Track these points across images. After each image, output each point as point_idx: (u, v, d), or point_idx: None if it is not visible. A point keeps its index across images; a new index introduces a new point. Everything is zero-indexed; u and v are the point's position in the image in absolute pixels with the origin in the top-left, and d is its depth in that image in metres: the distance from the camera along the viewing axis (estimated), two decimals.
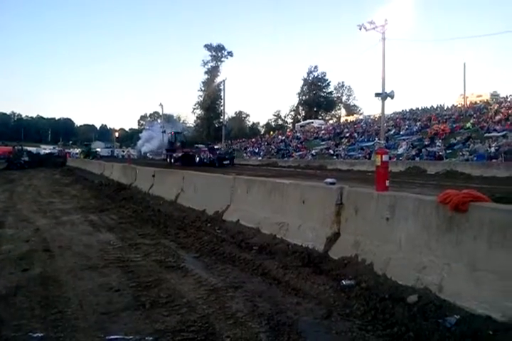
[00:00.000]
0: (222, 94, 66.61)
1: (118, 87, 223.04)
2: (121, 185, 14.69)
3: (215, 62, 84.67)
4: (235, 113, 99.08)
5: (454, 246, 3.70)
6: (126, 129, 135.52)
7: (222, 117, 67.18)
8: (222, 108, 69.56)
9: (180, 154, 38.23)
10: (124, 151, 63.60)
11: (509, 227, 3.29)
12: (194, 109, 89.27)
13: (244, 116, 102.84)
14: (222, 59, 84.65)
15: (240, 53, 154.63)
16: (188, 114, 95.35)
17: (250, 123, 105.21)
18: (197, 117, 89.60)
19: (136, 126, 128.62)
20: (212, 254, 5.44)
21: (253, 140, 67.39)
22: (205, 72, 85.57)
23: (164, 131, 68.61)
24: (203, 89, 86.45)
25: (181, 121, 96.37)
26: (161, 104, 77.49)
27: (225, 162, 34.12)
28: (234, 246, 5.86)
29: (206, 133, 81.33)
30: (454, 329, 3.05)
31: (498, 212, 3.49)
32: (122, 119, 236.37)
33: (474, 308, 3.23)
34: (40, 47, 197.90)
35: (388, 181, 5.10)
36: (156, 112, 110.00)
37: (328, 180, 5.95)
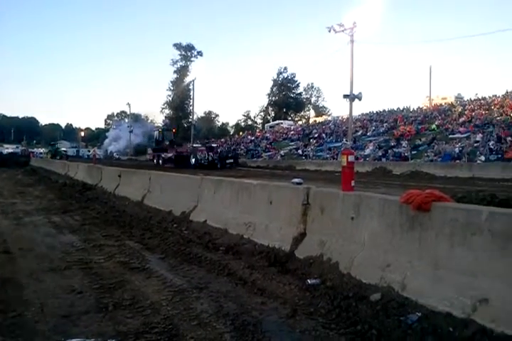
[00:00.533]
0: (191, 93, 66.24)
1: (84, 86, 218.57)
2: (86, 186, 14.39)
3: (184, 61, 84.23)
4: (205, 113, 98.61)
5: (416, 245, 3.76)
6: (93, 129, 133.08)
7: (191, 117, 66.91)
8: (191, 108, 69.36)
9: (171, 154, 33.72)
10: (89, 151, 62.52)
11: (469, 226, 3.37)
12: (163, 108, 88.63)
13: (213, 116, 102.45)
14: (192, 58, 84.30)
15: (209, 53, 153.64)
16: (157, 114, 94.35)
17: (220, 124, 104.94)
18: (165, 117, 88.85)
19: (102, 126, 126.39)
20: (178, 255, 5.38)
21: (222, 140, 67.24)
22: (174, 72, 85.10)
23: (132, 131, 67.53)
24: (171, 88, 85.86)
25: (149, 121, 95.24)
26: (128, 103, 76.48)
27: (229, 161, 30.76)
28: (200, 246, 5.81)
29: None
30: (416, 326, 3.10)
31: (459, 211, 3.57)
32: (89, 118, 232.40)
33: (435, 305, 3.30)
34: (1, 42, 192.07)
35: (354, 181, 5.15)
36: (123, 111, 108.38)
37: (295, 180, 5.98)
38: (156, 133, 41.45)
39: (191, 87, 63.00)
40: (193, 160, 30.70)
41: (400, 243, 3.90)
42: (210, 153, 30.81)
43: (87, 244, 6.07)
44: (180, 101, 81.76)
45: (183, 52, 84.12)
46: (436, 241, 3.60)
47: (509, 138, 25.44)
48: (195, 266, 4.95)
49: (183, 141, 55.92)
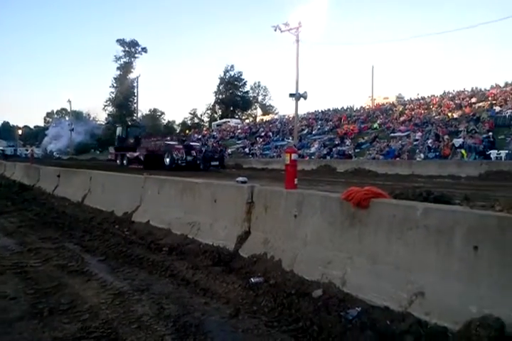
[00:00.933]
0: (135, 90, 64.97)
1: (22, 83, 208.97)
2: (23, 186, 13.74)
3: (128, 57, 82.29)
4: (150, 110, 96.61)
5: (356, 241, 3.84)
6: (31, 127, 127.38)
7: (135, 115, 65.51)
8: (135, 105, 67.87)
9: (137, 154, 28.69)
10: (27, 150, 59.80)
11: (406, 222, 3.48)
12: (105, 106, 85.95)
13: (159, 114, 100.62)
14: (136, 55, 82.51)
15: (154, 50, 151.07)
16: (99, 111, 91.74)
17: (165, 122, 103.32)
18: (108, 114, 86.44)
19: (42, 124, 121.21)
20: (119, 257, 5.23)
21: (168, 138, 66.23)
22: (118, 68, 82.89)
23: (73, 129, 65.07)
24: (115, 85, 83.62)
25: (91, 119, 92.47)
26: (69, 101, 73.52)
27: (214, 163, 26.57)
28: (143, 247, 5.68)
29: None
30: (355, 321, 3.17)
31: (396, 207, 3.68)
32: (27, 116, 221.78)
33: (374, 300, 3.38)
34: None
35: (297, 179, 5.20)
36: (63, 109, 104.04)
37: (240, 178, 5.98)
38: (119, 129, 36.09)
39: (135, 84, 61.89)
40: (168, 160, 25.87)
41: (341, 239, 3.97)
42: (193, 152, 26.29)
43: (23, 247, 5.78)
44: (123, 98, 79.70)
45: (127, 49, 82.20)
46: (374, 237, 3.69)
47: (446, 137, 26.56)
48: (137, 267, 4.83)
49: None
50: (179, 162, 25.22)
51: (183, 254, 5.25)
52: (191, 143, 29.40)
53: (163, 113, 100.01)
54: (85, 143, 66.70)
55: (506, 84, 37.45)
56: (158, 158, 26.45)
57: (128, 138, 33.49)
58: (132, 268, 4.77)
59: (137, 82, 58.87)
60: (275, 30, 31.78)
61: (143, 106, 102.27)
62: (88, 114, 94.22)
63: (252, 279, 4.16)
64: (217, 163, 27.18)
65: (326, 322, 3.20)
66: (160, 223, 6.54)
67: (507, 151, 22.01)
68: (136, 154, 29.12)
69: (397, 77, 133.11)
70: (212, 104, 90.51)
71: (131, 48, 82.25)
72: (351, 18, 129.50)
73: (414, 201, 4.16)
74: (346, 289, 3.63)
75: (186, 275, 4.46)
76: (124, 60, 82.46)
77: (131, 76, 64.90)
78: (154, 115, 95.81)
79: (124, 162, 30.60)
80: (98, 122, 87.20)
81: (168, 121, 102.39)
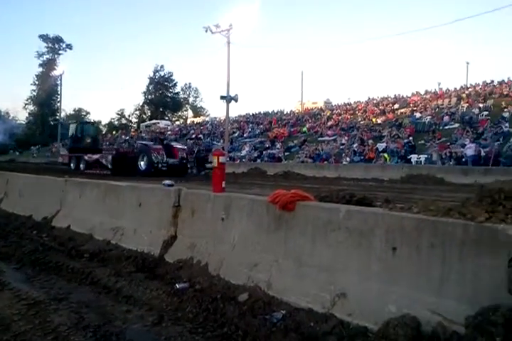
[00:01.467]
0: (59, 89, 62.19)
1: None
2: None
3: (51, 54, 78.63)
4: (74, 110, 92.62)
5: (282, 244, 3.87)
6: None
7: (58, 114, 62.67)
8: (58, 104, 64.94)
9: (99, 156, 23.88)
10: None
11: (329, 224, 3.54)
12: (26, 104, 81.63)
13: (84, 113, 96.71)
14: (60, 51, 79.07)
15: (80, 47, 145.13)
16: (19, 110, 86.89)
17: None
18: (29, 113, 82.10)
19: None
20: (36, 264, 4.93)
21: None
22: (40, 65, 78.97)
23: None
24: (36, 83, 79.59)
25: (11, 118, 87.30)
26: None
27: (209, 165, 21.14)
28: (62, 254, 5.40)
29: (40, 131, 75.05)
30: (280, 324, 3.18)
31: (321, 210, 3.74)
32: None
33: (299, 302, 3.41)
34: None
35: (224, 182, 5.16)
36: None
37: (166, 181, 5.82)
38: (72, 127, 30.10)
39: (59, 81, 59.29)
40: (143, 163, 21.53)
41: (267, 242, 3.98)
42: (179, 153, 22.12)
43: None
44: (46, 96, 75.92)
45: (51, 45, 78.53)
46: (300, 240, 3.73)
47: (370, 141, 27.66)
48: (55, 275, 4.59)
49: (51, 139, 51.42)
50: (159, 166, 20.85)
51: (105, 261, 5.04)
52: (172, 143, 24.67)
53: (88, 113, 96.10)
54: (3, 143, 62.77)
55: (426, 92, 39.59)
56: (130, 161, 22.09)
57: (84, 138, 28.37)
58: (50, 276, 4.52)
59: (61, 79, 56.45)
60: (206, 31, 31.59)
61: (67, 106, 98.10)
62: (7, 113, 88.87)
63: (177, 285, 4.06)
64: (211, 164, 22.53)
65: (251, 327, 3.18)
66: (81, 228, 6.26)
67: (426, 156, 23.22)
68: (95, 156, 24.22)
69: (325, 82, 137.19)
70: (141, 104, 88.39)
71: (54, 44, 78.65)
72: (284, 23, 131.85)
73: (338, 203, 4.25)
74: (272, 292, 3.64)
75: (108, 283, 4.28)
76: (47, 56, 78.81)
77: (55, 73, 61.94)
78: (79, 115, 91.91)
79: (81, 166, 25.45)
80: (18, 121, 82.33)
81: (94, 122, 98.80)
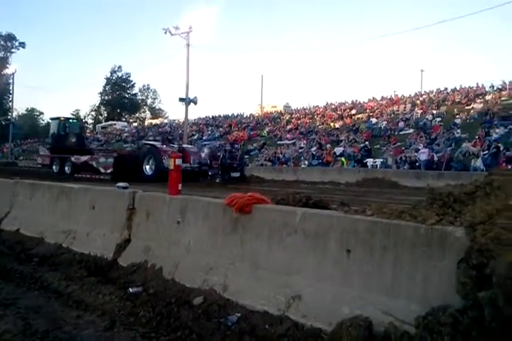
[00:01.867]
0: (11, 88, 60.03)
1: None
2: None
3: (3, 52, 75.77)
4: (27, 110, 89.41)
5: (238, 247, 3.85)
6: None
7: (10, 114, 60.50)
8: (10, 104, 62.67)
9: (88, 159, 21.06)
10: None
11: (285, 227, 3.55)
12: None
13: (37, 113, 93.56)
14: (13, 50, 76.28)
15: (35, 46, 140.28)
16: None
17: (45, 122, 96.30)
18: None
19: None
20: None
21: (47, 140, 62.01)
22: None
23: None
24: None
25: None
26: None
27: (234, 174, 18.59)
28: (10, 258, 5.19)
29: None
30: (235, 328, 3.15)
31: (277, 213, 3.75)
32: None
33: (254, 305, 3.39)
34: None
35: (181, 184, 5.11)
36: None
37: (121, 184, 5.69)
38: (53, 123, 26.37)
39: (11, 80, 57.27)
40: (148, 167, 18.54)
41: (223, 245, 3.96)
42: (193, 157, 18.98)
43: None
44: None
45: (3, 42, 75.66)
46: (256, 243, 3.72)
47: (328, 145, 28.12)
48: (3, 280, 4.40)
49: (1, 140, 49.25)
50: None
51: (55, 265, 4.89)
52: (184, 145, 21.72)
53: (41, 113, 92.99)
54: None
55: (382, 98, 40.59)
56: (132, 164, 18.73)
57: (68, 136, 24.69)
58: None
59: (13, 78, 54.49)
60: (165, 33, 31.31)
61: (19, 105, 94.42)
62: None
63: (130, 289, 3.98)
64: (238, 174, 18.88)
65: (205, 330, 3.15)
66: (32, 231, 6.05)
67: (381, 160, 23.81)
68: (84, 158, 21.05)
69: (285, 86, 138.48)
70: (97, 105, 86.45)
71: (7, 42, 75.80)
72: (245, 26, 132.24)
73: (294, 206, 4.27)
74: (227, 295, 3.61)
75: (58, 287, 4.15)
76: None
77: (7, 72, 59.79)
78: (32, 115, 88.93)
79: (67, 169, 22.17)
80: None
81: (48, 122, 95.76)
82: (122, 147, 39.26)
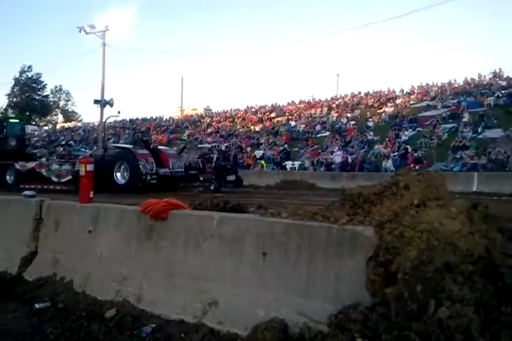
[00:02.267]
0: None
1: None
2: None
3: None
4: None
5: (153, 255, 3.74)
6: None
7: None
8: None
9: (36, 166, 17.10)
10: None
11: (202, 232, 3.50)
12: None
13: None
14: None
15: None
16: None
17: None
18: None
19: None
20: None
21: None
22: None
23: None
24: None
25: None
26: None
27: (230, 178, 16.08)
28: None
29: None
30: (149, 339, 3.06)
31: (194, 218, 3.70)
32: None
33: (169, 314, 3.31)
34: None
35: (93, 192, 4.86)
36: None
37: (27, 192, 5.32)
38: None
39: None
40: (119, 175, 15.06)
41: (137, 254, 3.82)
42: (172, 161, 16.01)
43: None
44: None
45: None
46: (172, 250, 3.64)
47: (249, 148, 28.37)
48: None
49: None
50: (147, 178, 14.61)
51: None
52: (161, 147, 18.30)
53: None
54: None
55: (301, 102, 41.66)
56: (101, 171, 13.50)
57: (7, 139, 19.80)
58: None
59: None
60: (80, 31, 29.94)
61: None
62: None
63: (36, 305, 3.72)
64: (233, 176, 16.37)
65: None
66: None
67: (300, 162, 24.36)
68: (31, 165, 17.28)
69: (205, 88, 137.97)
70: (4, 107, 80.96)
71: None
72: (165, 28, 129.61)
73: (212, 211, 4.22)
74: (142, 305, 3.49)
75: None
76: None
77: None
78: None
79: (8, 178, 17.91)
80: None
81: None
82: (30, 151, 34.64)
